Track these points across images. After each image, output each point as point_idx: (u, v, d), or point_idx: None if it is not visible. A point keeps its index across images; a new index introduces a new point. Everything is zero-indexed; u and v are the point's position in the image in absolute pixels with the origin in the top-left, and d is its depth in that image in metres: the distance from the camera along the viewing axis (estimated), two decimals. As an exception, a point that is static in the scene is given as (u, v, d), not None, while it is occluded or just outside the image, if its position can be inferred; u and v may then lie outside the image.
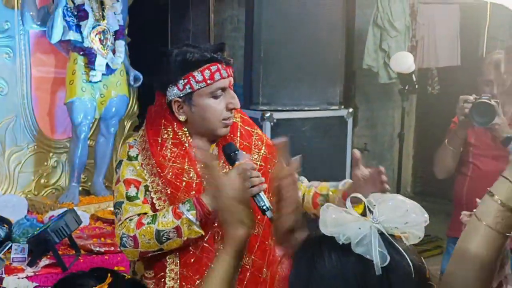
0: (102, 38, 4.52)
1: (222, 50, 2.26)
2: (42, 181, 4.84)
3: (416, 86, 5.82)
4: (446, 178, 3.61)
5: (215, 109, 2.21)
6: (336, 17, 4.58)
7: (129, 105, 5.13)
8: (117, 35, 4.65)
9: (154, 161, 2.24)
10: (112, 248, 3.74)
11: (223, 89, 2.22)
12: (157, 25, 6.87)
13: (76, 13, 4.44)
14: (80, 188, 4.75)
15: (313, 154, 4.45)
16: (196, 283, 2.20)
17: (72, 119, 4.52)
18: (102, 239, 3.92)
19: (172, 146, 2.25)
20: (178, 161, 2.24)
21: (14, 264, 3.44)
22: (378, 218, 1.16)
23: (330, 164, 4.56)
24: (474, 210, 1.37)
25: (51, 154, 4.91)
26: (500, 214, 1.30)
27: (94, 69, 4.48)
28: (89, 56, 4.48)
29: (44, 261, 3.49)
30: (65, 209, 3.90)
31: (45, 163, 4.88)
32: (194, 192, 2.22)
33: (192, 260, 2.23)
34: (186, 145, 2.26)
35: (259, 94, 4.39)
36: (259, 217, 2.20)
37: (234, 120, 2.32)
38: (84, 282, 1.35)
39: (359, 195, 1.21)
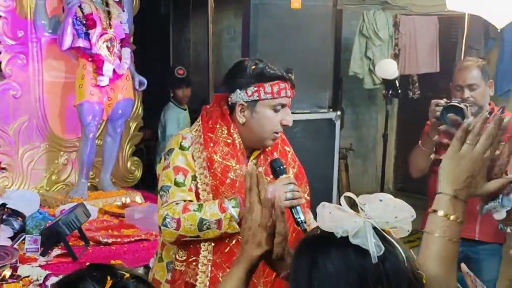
0: (109, 46, 4.52)
1: (291, 73, 2.34)
2: (54, 177, 4.84)
3: (399, 91, 5.85)
4: (420, 177, 3.62)
5: (272, 120, 2.28)
6: (326, 28, 4.59)
7: (134, 108, 5.13)
8: (123, 43, 4.65)
9: (205, 155, 2.28)
10: (119, 240, 3.75)
11: (283, 106, 2.30)
12: (160, 34, 6.89)
13: (85, 22, 4.44)
14: (89, 184, 4.74)
15: (304, 153, 4.43)
16: (227, 271, 2.22)
17: (82, 120, 4.52)
18: (110, 231, 3.93)
19: (223, 145, 2.30)
20: (227, 158, 2.28)
21: (27, 254, 3.44)
22: (369, 214, 1.17)
23: (319, 163, 4.58)
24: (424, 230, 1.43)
25: (61, 152, 4.91)
26: (445, 224, 1.37)
27: (102, 74, 4.47)
28: (97, 62, 4.48)
29: (56, 251, 3.48)
30: (75, 203, 3.90)
31: (56, 161, 4.87)
32: (237, 189, 2.26)
33: (225, 250, 2.26)
34: (238, 145, 2.31)
35: (254, 98, 4.40)
36: None
37: (278, 140, 2.41)
38: (85, 286, 1.30)
39: (351, 194, 1.22)
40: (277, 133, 2.32)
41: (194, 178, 2.29)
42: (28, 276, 3.09)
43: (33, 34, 4.62)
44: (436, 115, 3.26)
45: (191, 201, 2.26)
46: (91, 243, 3.68)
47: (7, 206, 3.92)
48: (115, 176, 5.04)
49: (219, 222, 2.19)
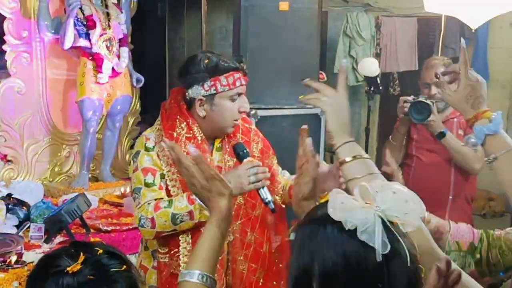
0: (108, 45, 4.50)
1: (242, 62, 2.32)
2: (56, 169, 4.82)
3: (380, 88, 5.85)
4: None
5: (231, 110, 2.26)
6: (312, 28, 4.58)
7: (132, 104, 5.11)
8: (121, 42, 4.64)
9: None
10: (118, 227, 3.74)
11: (239, 94, 2.27)
12: (156, 34, 6.86)
13: (85, 23, 4.42)
14: (90, 175, 4.73)
15: (291, 146, 4.43)
16: None
17: (83, 115, 4.51)
18: (109, 219, 3.92)
19: (185, 140, 2.26)
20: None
21: (32, 241, 3.44)
22: (380, 206, 1.09)
23: (306, 155, 4.58)
24: None
25: (64, 146, 4.89)
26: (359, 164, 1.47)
27: (102, 72, 4.46)
28: (97, 61, 4.46)
29: (58, 239, 3.49)
30: (77, 193, 3.88)
31: (59, 154, 4.85)
32: None
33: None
34: (199, 138, 2.28)
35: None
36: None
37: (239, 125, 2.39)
38: (60, 262, 1.30)
39: (366, 184, 1.15)
40: (236, 120, 2.30)
41: (162, 176, 2.26)
42: (32, 262, 3.08)
43: (37, 34, 4.59)
44: (404, 111, 3.27)
45: (162, 198, 2.24)
46: (91, 230, 3.67)
47: (12, 196, 3.91)
48: (115, 167, 5.03)
49: (190, 213, 2.17)
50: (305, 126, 1.70)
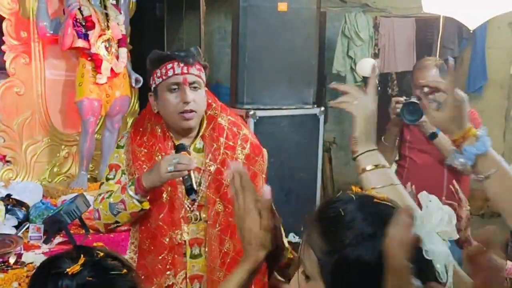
0: (107, 46, 4.50)
1: (188, 52, 2.23)
2: (55, 169, 4.82)
3: (378, 88, 5.86)
4: None
5: (171, 102, 2.18)
6: (310, 28, 4.59)
7: (131, 104, 5.11)
8: (120, 43, 4.64)
9: (130, 147, 2.24)
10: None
11: (177, 84, 2.19)
12: (155, 34, 6.86)
13: (84, 24, 4.42)
14: (88, 175, 4.73)
15: (290, 146, 4.47)
16: (151, 256, 2.19)
17: (82, 116, 4.51)
18: (108, 220, 3.92)
19: (149, 136, 2.25)
20: (151, 147, 2.23)
21: (31, 242, 3.44)
22: (438, 227, 1.04)
23: (304, 155, 4.59)
24: None
25: (63, 146, 4.89)
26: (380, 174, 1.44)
27: (100, 73, 4.46)
28: (96, 61, 4.46)
29: (58, 239, 3.49)
30: (76, 194, 3.88)
31: (58, 154, 4.85)
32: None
33: (149, 236, 2.21)
34: (159, 134, 2.24)
35: (244, 95, 4.40)
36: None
37: (221, 122, 2.29)
38: (61, 264, 1.31)
39: (415, 208, 1.07)
40: (183, 112, 2.19)
41: (123, 172, 2.25)
42: (31, 263, 3.08)
43: (36, 34, 4.59)
44: (396, 112, 3.26)
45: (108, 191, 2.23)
46: (91, 231, 3.66)
47: (11, 196, 3.91)
48: (113, 168, 5.02)
49: (123, 203, 2.13)
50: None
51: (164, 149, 2.23)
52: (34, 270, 1.41)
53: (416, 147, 3.49)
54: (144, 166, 2.20)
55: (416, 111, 3.20)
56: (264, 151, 2.36)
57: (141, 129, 2.27)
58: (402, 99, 3.27)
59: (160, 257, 2.18)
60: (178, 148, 2.15)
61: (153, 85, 2.22)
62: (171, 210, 2.19)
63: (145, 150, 2.23)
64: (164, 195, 2.19)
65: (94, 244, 3.28)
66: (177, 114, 2.19)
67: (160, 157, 2.19)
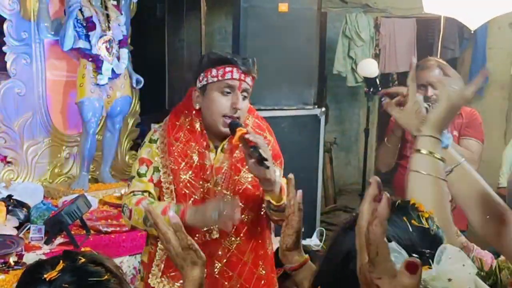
0: (108, 46, 4.50)
1: (247, 60, 2.30)
2: (56, 170, 4.82)
3: (379, 88, 5.85)
4: (387, 171, 3.63)
5: (220, 103, 2.22)
6: (311, 29, 4.59)
7: (132, 105, 5.10)
8: (121, 43, 4.64)
9: (167, 140, 2.26)
10: (118, 229, 3.74)
11: (231, 88, 2.23)
12: (156, 35, 6.85)
13: (85, 24, 4.42)
14: (90, 176, 4.73)
15: (291, 147, 4.46)
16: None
17: (82, 117, 4.51)
18: (109, 220, 3.92)
19: (186, 131, 2.27)
20: (187, 142, 2.26)
21: (32, 243, 3.43)
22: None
23: (305, 155, 4.60)
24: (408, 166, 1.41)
25: (64, 147, 4.88)
26: (432, 161, 1.36)
27: (101, 73, 4.46)
28: (97, 62, 4.46)
29: (59, 240, 3.48)
30: (77, 194, 3.88)
31: (59, 155, 4.85)
32: (191, 172, 2.23)
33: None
34: (198, 131, 2.27)
35: (244, 95, 4.40)
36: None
37: (247, 122, 2.36)
38: (41, 270, 1.30)
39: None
40: (227, 116, 2.23)
41: (157, 169, 2.27)
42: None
43: (37, 35, 4.59)
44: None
45: (149, 193, 2.25)
46: (92, 232, 3.67)
47: (12, 197, 3.91)
48: (114, 169, 5.03)
49: None
50: (291, 176, 1.68)
51: (200, 146, 2.26)
52: (19, 278, 1.40)
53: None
54: (180, 160, 2.23)
55: None
56: (282, 158, 2.42)
57: (177, 123, 2.29)
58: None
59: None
60: (232, 125, 2.18)
61: (203, 82, 2.25)
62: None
63: (181, 146, 2.25)
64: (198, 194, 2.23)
65: (83, 249, 3.27)
66: (221, 117, 2.23)
67: (195, 155, 2.23)
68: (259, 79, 4.41)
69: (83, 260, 1.33)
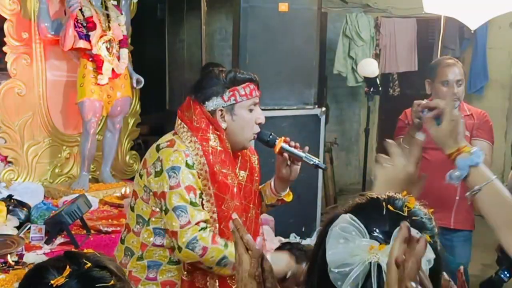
0: (108, 47, 4.50)
1: (255, 77, 2.33)
2: (57, 170, 4.82)
3: (380, 88, 5.86)
4: None
5: (250, 121, 2.27)
6: (311, 29, 4.60)
7: (132, 105, 5.11)
8: (121, 44, 4.63)
9: (207, 167, 2.21)
10: (118, 228, 3.74)
11: (255, 105, 2.29)
12: (156, 35, 6.86)
13: (85, 25, 4.42)
14: (90, 176, 4.73)
15: (291, 147, 4.48)
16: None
17: (83, 117, 4.51)
18: (110, 220, 3.92)
19: (219, 153, 2.24)
20: (224, 165, 2.25)
21: (33, 242, 3.44)
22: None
23: (305, 156, 4.59)
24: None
25: (64, 147, 4.89)
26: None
27: (102, 73, 4.46)
28: (97, 62, 4.46)
29: (59, 240, 3.48)
30: (77, 194, 3.89)
31: (59, 155, 4.85)
32: (236, 193, 2.26)
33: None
34: (230, 151, 2.28)
35: (244, 95, 4.40)
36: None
37: None
38: (46, 274, 1.28)
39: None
40: (255, 132, 2.30)
41: (200, 195, 2.22)
42: (33, 263, 3.07)
43: (37, 35, 4.59)
44: (419, 115, 3.23)
45: (205, 221, 2.21)
46: (92, 231, 3.67)
47: (13, 197, 3.91)
48: (115, 169, 5.03)
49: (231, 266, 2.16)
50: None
51: (233, 166, 2.30)
52: (21, 281, 1.37)
53: (429, 146, 3.47)
54: (226, 187, 2.24)
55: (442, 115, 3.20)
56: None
57: (211, 145, 2.24)
58: (424, 102, 3.24)
59: None
60: (264, 136, 2.29)
61: (231, 102, 2.24)
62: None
63: (221, 169, 2.24)
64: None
65: (85, 250, 3.26)
66: (251, 133, 2.28)
67: (234, 177, 2.27)
68: (260, 79, 4.43)
69: (88, 265, 1.31)
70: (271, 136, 2.25)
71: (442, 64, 3.45)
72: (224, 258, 2.16)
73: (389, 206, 1.06)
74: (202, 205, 2.22)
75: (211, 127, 2.25)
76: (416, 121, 3.28)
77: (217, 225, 2.22)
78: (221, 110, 2.25)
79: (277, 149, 2.26)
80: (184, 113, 2.31)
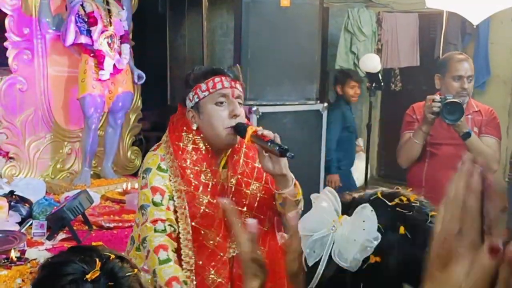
0: (109, 42, 4.50)
1: (232, 68, 2.25)
2: (58, 166, 4.83)
3: (382, 84, 5.84)
4: (408, 166, 3.61)
5: (219, 115, 2.16)
6: (313, 24, 4.59)
7: (134, 100, 5.11)
8: (122, 39, 4.64)
9: (177, 163, 2.19)
10: (120, 224, 3.75)
11: (226, 97, 2.18)
12: (157, 31, 6.85)
13: (86, 20, 4.42)
14: (92, 172, 4.74)
15: (293, 142, 4.45)
16: (211, 272, 2.20)
17: (84, 112, 4.51)
18: (111, 216, 3.93)
19: (192, 151, 2.21)
20: (197, 163, 2.20)
21: (34, 238, 3.44)
22: (343, 227, 0.99)
23: (308, 151, 4.59)
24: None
25: (65, 142, 4.90)
26: None
27: (103, 69, 4.46)
28: (99, 58, 4.46)
29: (61, 235, 3.49)
30: (79, 190, 3.89)
31: (61, 151, 4.86)
32: (210, 190, 2.19)
33: (206, 253, 2.20)
34: (203, 149, 2.21)
35: (246, 91, 4.37)
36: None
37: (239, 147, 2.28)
38: (73, 270, 1.28)
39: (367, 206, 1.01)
40: (229, 127, 2.17)
41: (171, 198, 2.20)
42: (35, 259, 3.09)
43: (38, 31, 4.60)
44: (433, 111, 3.22)
45: (169, 224, 2.17)
46: (94, 227, 3.68)
47: (15, 193, 3.92)
48: (116, 164, 5.04)
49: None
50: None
51: (211, 165, 2.21)
52: (39, 276, 1.36)
53: (437, 141, 3.47)
54: (197, 183, 2.18)
55: (456, 110, 3.19)
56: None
57: (181, 144, 2.22)
58: (437, 97, 3.24)
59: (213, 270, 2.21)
60: (239, 127, 2.14)
61: (195, 100, 2.19)
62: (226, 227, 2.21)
63: (193, 167, 2.19)
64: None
65: (93, 243, 3.25)
66: (223, 129, 2.16)
67: (209, 174, 2.19)
68: (261, 75, 4.43)
69: (113, 256, 1.33)
70: (242, 127, 2.12)
71: (454, 59, 3.45)
72: (154, 272, 2.11)
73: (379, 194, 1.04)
74: (175, 207, 2.19)
75: (184, 127, 2.23)
76: (430, 116, 3.28)
77: (189, 221, 2.18)
78: (190, 111, 2.22)
79: (246, 139, 2.12)
80: (174, 114, 2.33)
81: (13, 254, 3.06)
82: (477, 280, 0.81)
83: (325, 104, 4.69)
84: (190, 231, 2.18)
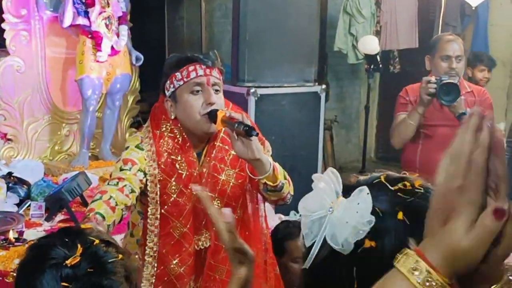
0: (107, 23, 4.48)
1: (208, 55, 2.20)
2: (56, 148, 4.82)
3: (380, 66, 5.82)
4: (401, 147, 3.61)
5: (194, 104, 2.13)
6: (312, 6, 4.55)
7: (132, 82, 5.09)
8: (120, 20, 4.61)
9: (154, 149, 2.18)
10: (118, 206, 3.74)
11: (201, 85, 2.14)
12: (155, 12, 6.81)
13: (84, 1, 4.39)
14: (90, 153, 4.73)
15: (292, 124, 4.46)
16: (173, 262, 2.18)
17: (82, 94, 4.49)
18: (109, 197, 3.92)
19: (168, 139, 2.19)
20: (173, 151, 2.18)
21: (33, 220, 3.45)
22: (338, 210, 0.97)
23: (306, 133, 4.58)
24: None
25: (63, 124, 4.89)
26: None
27: (101, 50, 4.44)
28: (96, 39, 4.44)
29: (59, 217, 3.49)
30: (77, 172, 3.89)
31: (59, 132, 4.85)
32: (183, 179, 2.17)
33: (171, 242, 2.17)
34: (180, 139, 2.19)
35: (245, 73, 4.37)
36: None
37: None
38: (55, 254, 1.25)
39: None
40: (205, 114, 2.12)
41: (141, 171, 2.16)
42: (33, 240, 3.08)
43: (36, 12, 4.57)
44: (429, 92, 3.22)
45: (125, 184, 2.12)
46: (92, 209, 3.67)
47: (13, 174, 3.92)
48: (114, 146, 5.02)
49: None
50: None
51: (187, 155, 2.19)
52: (23, 259, 1.34)
53: (429, 123, 3.47)
54: (170, 172, 2.16)
55: (452, 91, 3.19)
56: (267, 143, 2.31)
57: (158, 132, 2.20)
58: (433, 79, 3.23)
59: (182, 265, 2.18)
60: (212, 113, 2.09)
61: (171, 90, 2.17)
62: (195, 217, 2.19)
63: (169, 155, 2.18)
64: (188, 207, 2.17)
65: (82, 225, 3.23)
66: (200, 117, 2.13)
67: (184, 163, 2.17)
68: (260, 56, 4.40)
69: (97, 241, 1.30)
70: (214, 112, 2.09)
71: (443, 40, 3.45)
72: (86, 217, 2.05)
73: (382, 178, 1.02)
74: (146, 180, 2.16)
75: (163, 116, 2.22)
76: (426, 98, 3.27)
77: (159, 207, 2.15)
78: (168, 101, 2.20)
79: (217, 124, 2.08)
80: (156, 104, 2.32)
81: (11, 235, 3.07)
82: (478, 240, 0.78)
83: (323, 86, 4.67)
84: (158, 217, 2.16)
